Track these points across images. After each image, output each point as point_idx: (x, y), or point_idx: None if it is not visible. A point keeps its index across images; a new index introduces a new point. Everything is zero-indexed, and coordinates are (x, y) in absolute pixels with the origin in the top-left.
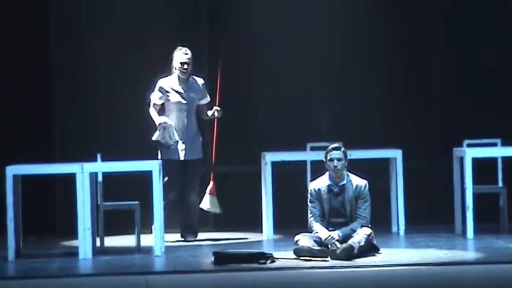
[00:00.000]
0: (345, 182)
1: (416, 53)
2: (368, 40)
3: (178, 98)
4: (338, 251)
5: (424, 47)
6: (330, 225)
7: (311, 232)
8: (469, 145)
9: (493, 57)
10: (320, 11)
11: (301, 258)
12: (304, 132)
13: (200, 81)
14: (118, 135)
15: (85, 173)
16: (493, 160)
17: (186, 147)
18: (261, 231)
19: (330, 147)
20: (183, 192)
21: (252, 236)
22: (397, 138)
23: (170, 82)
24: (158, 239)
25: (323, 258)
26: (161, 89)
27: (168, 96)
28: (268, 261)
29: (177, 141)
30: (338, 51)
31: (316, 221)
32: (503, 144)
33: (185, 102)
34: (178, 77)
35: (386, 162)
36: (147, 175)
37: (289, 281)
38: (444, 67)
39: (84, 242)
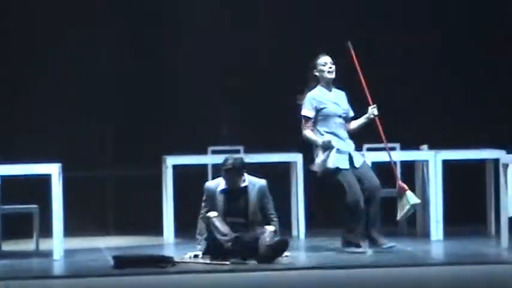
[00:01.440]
0: (246, 183)
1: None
2: (265, 44)
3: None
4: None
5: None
6: (231, 225)
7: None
8: (368, 149)
9: (397, 64)
10: (221, 17)
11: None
12: (206, 136)
13: None
14: (17, 136)
15: None
16: (391, 164)
17: None
18: (162, 235)
19: (227, 160)
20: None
21: (152, 240)
22: (297, 143)
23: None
24: (57, 243)
25: (223, 262)
26: None
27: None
28: (169, 265)
29: None
30: (239, 53)
31: (202, 221)
32: (402, 148)
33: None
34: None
35: (287, 166)
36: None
37: (189, 285)
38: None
39: None
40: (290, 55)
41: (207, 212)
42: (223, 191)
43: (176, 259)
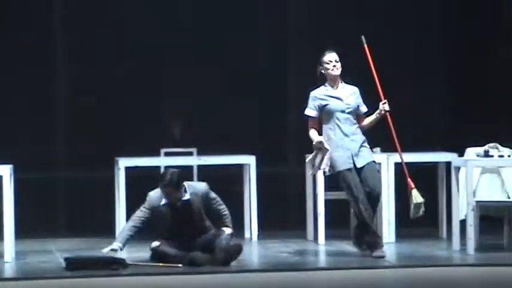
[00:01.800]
0: (188, 196)
1: (271, 62)
2: (216, 46)
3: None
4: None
5: (277, 52)
6: (179, 236)
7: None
8: None
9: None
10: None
11: (154, 264)
12: (159, 138)
13: None
14: None
15: None
16: None
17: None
18: (114, 237)
19: (164, 175)
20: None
21: (104, 242)
22: (251, 145)
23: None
24: (8, 245)
25: (176, 264)
26: None
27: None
28: (121, 267)
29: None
30: (195, 55)
31: (132, 222)
32: None
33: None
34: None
35: (240, 168)
36: None
37: (140, 287)
38: (298, 74)
39: None
40: (246, 55)
41: (144, 219)
42: (167, 204)
43: (128, 261)
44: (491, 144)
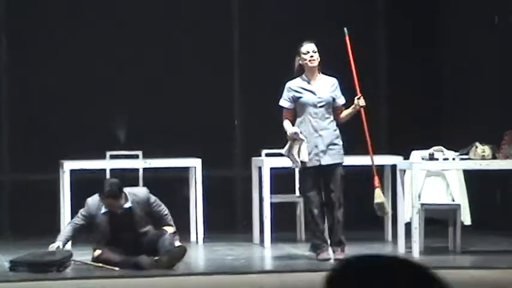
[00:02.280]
0: (129, 204)
1: (216, 63)
2: (164, 49)
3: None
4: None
5: (223, 56)
6: (116, 242)
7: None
8: (267, 154)
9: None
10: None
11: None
12: (104, 140)
13: None
14: None
15: None
16: (291, 170)
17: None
18: None
19: (104, 186)
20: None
21: (48, 245)
22: (197, 147)
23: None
24: None
25: (112, 267)
26: None
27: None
28: (67, 268)
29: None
30: (140, 56)
31: (71, 226)
32: None
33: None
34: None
35: (186, 171)
36: None
37: None
38: (244, 76)
39: None
40: (192, 58)
41: (82, 226)
42: (107, 213)
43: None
44: (436, 147)
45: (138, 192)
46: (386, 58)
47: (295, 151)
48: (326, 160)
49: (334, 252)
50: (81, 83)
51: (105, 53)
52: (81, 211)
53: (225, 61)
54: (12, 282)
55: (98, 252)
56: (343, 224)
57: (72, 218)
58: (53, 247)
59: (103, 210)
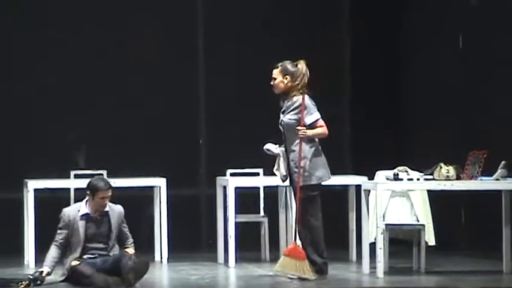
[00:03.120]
0: (107, 208)
1: (180, 82)
2: (129, 67)
3: None
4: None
5: (187, 75)
6: (88, 251)
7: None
8: (232, 174)
9: (258, 88)
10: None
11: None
12: (68, 160)
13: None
14: None
15: None
16: (256, 189)
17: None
18: (23, 259)
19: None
20: None
21: (13, 264)
22: (161, 167)
23: None
24: None
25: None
26: None
27: None
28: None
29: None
30: (102, 74)
31: (55, 247)
32: (265, 174)
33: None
34: None
35: (151, 190)
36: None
37: None
38: (208, 95)
39: None
40: (155, 72)
41: (65, 239)
42: (85, 216)
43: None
44: (400, 168)
45: (114, 206)
46: (350, 77)
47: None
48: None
49: None
50: (46, 100)
51: (70, 69)
52: (59, 226)
53: (190, 79)
54: None
55: (75, 262)
56: None
57: (36, 236)
58: (42, 273)
59: (80, 212)
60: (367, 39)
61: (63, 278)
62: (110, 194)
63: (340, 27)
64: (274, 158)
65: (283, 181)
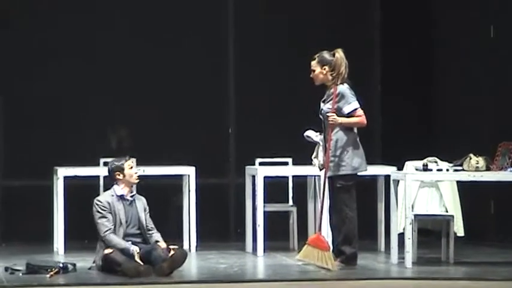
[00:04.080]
0: (134, 192)
1: (210, 71)
2: (159, 58)
3: None
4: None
5: (217, 65)
6: (127, 237)
7: (109, 247)
8: (261, 163)
9: (286, 78)
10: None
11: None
12: (97, 147)
13: None
14: None
15: None
16: (284, 179)
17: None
18: (52, 246)
19: (126, 158)
20: None
21: (43, 251)
22: (191, 155)
23: None
24: None
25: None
26: None
27: None
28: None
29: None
30: (133, 65)
31: (112, 234)
32: (294, 163)
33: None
34: None
35: (180, 179)
36: None
37: None
38: (238, 85)
39: None
40: (186, 64)
41: (114, 223)
42: (120, 198)
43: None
44: (430, 158)
45: (138, 194)
46: (380, 68)
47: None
48: None
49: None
50: (76, 89)
51: (100, 60)
52: (100, 215)
53: (220, 69)
54: None
55: (108, 250)
56: None
57: (65, 224)
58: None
59: (116, 195)
60: (398, 29)
61: (93, 265)
62: (134, 161)
63: (371, 21)
64: (302, 147)
65: (320, 169)
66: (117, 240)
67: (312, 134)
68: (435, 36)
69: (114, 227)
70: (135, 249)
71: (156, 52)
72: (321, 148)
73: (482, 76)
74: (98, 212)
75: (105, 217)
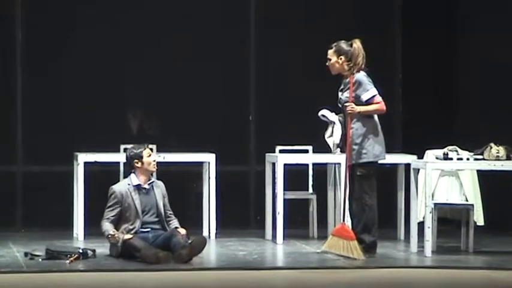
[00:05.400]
0: (153, 179)
1: (231, 59)
2: (180, 44)
3: None
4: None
5: (238, 52)
6: (145, 225)
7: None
8: (281, 151)
9: (308, 65)
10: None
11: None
12: (118, 134)
13: None
14: None
15: None
16: (304, 166)
17: None
18: (72, 232)
19: (144, 145)
20: None
21: (63, 236)
22: (211, 142)
23: None
24: None
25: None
26: None
27: None
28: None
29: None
30: (158, 51)
31: (108, 222)
32: (314, 151)
33: None
34: None
35: (199, 166)
36: None
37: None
38: (259, 72)
39: None
40: (209, 53)
41: (116, 215)
42: (136, 187)
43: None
44: (450, 147)
45: (157, 181)
46: (401, 58)
47: (327, 134)
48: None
49: None
50: (96, 75)
51: (121, 47)
52: (110, 203)
53: (240, 57)
54: (27, 274)
55: (128, 236)
56: None
57: (85, 210)
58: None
59: (132, 184)
60: (420, 17)
61: (113, 252)
62: (154, 148)
63: (392, 9)
64: (323, 134)
65: (334, 149)
66: (105, 228)
67: (327, 113)
68: (458, 26)
69: (130, 215)
70: (120, 236)
71: (179, 39)
72: (336, 127)
73: (504, 65)
74: (109, 199)
75: (111, 206)
